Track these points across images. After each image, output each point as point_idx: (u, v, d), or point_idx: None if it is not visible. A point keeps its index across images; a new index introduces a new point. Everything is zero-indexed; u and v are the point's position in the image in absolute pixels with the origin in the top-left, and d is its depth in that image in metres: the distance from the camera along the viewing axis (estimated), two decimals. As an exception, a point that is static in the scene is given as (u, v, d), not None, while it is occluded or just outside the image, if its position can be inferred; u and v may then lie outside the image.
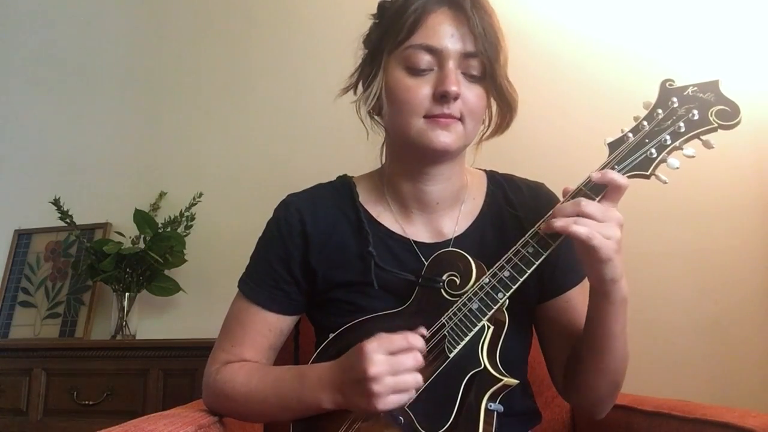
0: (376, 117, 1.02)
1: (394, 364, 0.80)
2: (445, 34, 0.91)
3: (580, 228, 0.79)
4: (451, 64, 0.91)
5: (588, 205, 0.81)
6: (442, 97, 0.90)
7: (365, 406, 0.81)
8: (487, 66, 0.93)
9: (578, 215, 0.80)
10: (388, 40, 0.94)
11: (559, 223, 0.81)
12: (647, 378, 1.44)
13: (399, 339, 0.81)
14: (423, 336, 0.84)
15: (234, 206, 2.06)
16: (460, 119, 0.93)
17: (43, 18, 2.43)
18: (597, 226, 0.80)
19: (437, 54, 0.91)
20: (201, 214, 2.03)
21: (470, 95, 0.92)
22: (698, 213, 1.63)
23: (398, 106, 0.93)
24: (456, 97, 0.91)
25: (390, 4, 0.97)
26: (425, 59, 0.91)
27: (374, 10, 1.01)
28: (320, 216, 1.02)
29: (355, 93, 0.99)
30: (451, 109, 0.91)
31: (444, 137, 0.92)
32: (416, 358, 0.81)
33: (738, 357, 1.57)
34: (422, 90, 0.91)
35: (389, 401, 0.80)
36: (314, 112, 2.01)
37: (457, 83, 0.90)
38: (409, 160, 0.99)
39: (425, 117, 0.92)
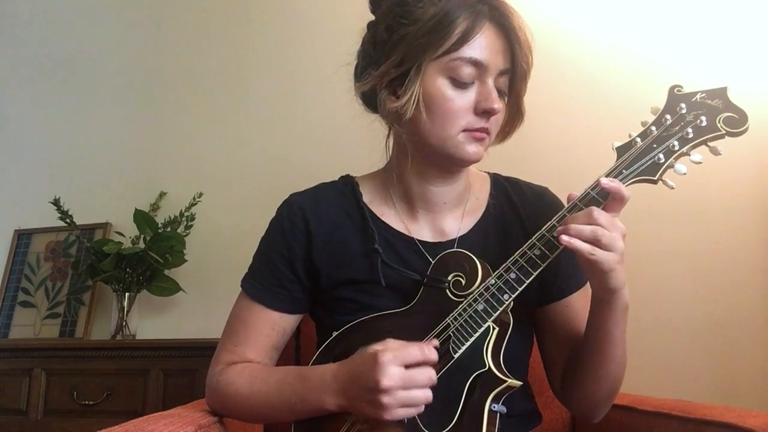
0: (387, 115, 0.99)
1: (408, 379, 0.78)
2: (492, 50, 0.91)
3: (582, 244, 0.80)
4: (491, 81, 0.92)
5: (600, 215, 0.81)
6: (484, 113, 0.92)
7: (371, 414, 0.80)
8: (517, 83, 0.95)
9: (590, 224, 0.81)
10: (430, 46, 0.90)
11: (565, 238, 0.81)
12: (647, 378, 1.45)
13: (415, 351, 0.80)
14: (435, 348, 0.83)
15: (234, 206, 2.06)
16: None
17: (43, 18, 2.42)
18: (604, 237, 0.80)
19: (481, 69, 0.91)
20: (201, 214, 2.03)
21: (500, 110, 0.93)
22: (698, 213, 1.64)
23: (439, 117, 0.92)
24: (495, 114, 0.92)
25: (420, 5, 0.91)
26: (469, 72, 0.91)
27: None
28: (323, 214, 1.02)
29: (378, 90, 0.95)
30: (489, 124, 0.93)
31: (477, 149, 0.94)
32: (430, 376, 0.80)
33: (738, 357, 1.58)
34: (464, 103, 0.91)
35: (397, 414, 0.79)
36: (314, 112, 2.01)
37: (498, 101, 0.91)
38: (428, 163, 0.99)
39: (464, 130, 0.92)
